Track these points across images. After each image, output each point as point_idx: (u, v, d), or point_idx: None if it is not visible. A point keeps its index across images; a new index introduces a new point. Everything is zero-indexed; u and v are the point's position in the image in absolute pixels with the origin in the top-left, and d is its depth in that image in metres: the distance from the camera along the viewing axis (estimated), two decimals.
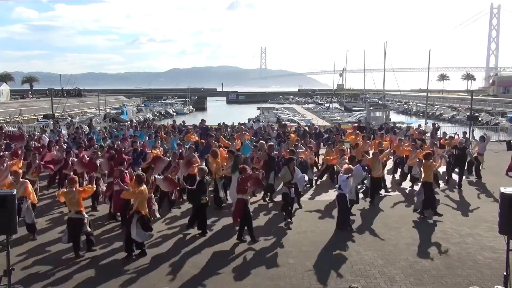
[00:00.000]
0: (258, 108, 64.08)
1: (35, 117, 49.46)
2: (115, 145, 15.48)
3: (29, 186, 9.64)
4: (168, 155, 12.75)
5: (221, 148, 13.35)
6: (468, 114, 34.95)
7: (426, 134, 20.51)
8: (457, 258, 8.54)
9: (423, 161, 11.51)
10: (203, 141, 16.60)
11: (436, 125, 23.81)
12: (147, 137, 18.29)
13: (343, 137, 18.40)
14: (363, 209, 11.75)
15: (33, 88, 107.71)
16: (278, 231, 10.07)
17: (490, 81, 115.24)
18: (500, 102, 67.32)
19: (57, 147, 14.52)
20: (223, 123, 22.26)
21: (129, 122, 30.66)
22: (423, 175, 11.37)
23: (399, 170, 15.45)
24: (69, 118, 47.12)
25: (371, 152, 15.54)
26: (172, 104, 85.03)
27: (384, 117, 37.12)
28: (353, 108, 64.10)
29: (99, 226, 10.40)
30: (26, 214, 9.41)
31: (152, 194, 9.99)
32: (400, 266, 8.14)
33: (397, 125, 28.46)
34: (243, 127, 20.13)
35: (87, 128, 23.98)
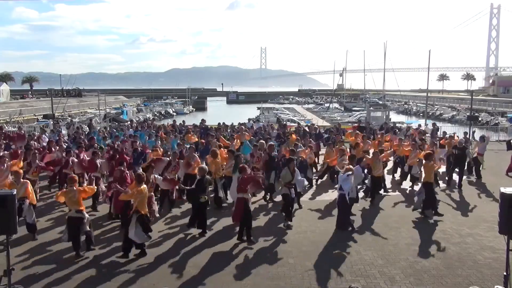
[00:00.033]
0: (258, 108, 64.13)
1: (35, 117, 49.49)
2: (115, 145, 15.49)
3: (29, 186, 9.65)
4: (169, 153, 12.74)
5: (221, 149, 13.35)
6: (468, 114, 35.02)
7: (426, 134, 20.50)
8: (457, 258, 8.54)
9: (424, 161, 11.49)
10: (203, 141, 16.61)
11: (436, 126, 23.79)
12: (147, 137, 18.30)
13: (343, 137, 18.41)
14: (363, 209, 11.75)
15: (33, 88, 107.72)
16: (278, 231, 10.07)
17: (490, 81, 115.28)
18: (500, 102, 67.35)
19: (57, 147, 14.51)
20: (223, 123, 22.27)
21: (129, 122, 30.66)
22: (423, 175, 11.35)
23: (399, 170, 15.45)
24: (69, 118, 47.13)
25: (371, 151, 15.55)
26: (172, 104, 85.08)
27: (384, 117, 37.13)
28: (353, 108, 64.13)
29: (99, 226, 10.40)
30: (28, 214, 9.42)
31: (153, 194, 9.98)
32: (400, 266, 8.14)
33: (397, 125, 28.48)
34: (243, 127, 20.12)
35: (87, 128, 23.97)
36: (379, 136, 17.88)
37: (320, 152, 17.63)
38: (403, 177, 14.75)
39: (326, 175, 15.05)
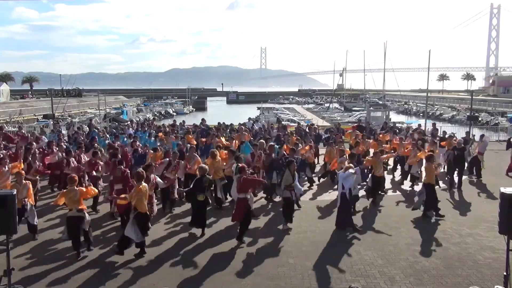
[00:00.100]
0: (258, 108, 64.19)
1: (35, 117, 49.51)
2: (115, 145, 15.49)
3: (31, 187, 9.66)
4: (169, 152, 12.74)
5: (221, 150, 13.30)
6: (468, 114, 35.01)
7: (427, 135, 20.49)
8: (457, 258, 8.54)
9: (426, 163, 11.42)
10: (203, 140, 16.62)
11: (435, 127, 23.76)
12: (147, 136, 18.30)
13: (343, 137, 18.41)
14: (363, 209, 11.74)
15: (33, 88, 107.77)
16: (278, 231, 10.07)
17: (490, 81, 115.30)
18: (500, 102, 67.36)
19: (57, 148, 14.49)
20: (223, 123, 22.26)
21: (129, 122, 30.65)
22: (425, 177, 11.26)
23: (398, 170, 15.44)
24: (69, 118, 47.15)
25: (371, 151, 15.57)
26: (172, 104, 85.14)
27: (384, 117, 37.12)
28: (353, 108, 64.13)
29: (99, 226, 10.40)
30: (30, 215, 9.46)
31: (153, 193, 9.98)
32: (400, 266, 8.13)
33: (397, 125, 28.48)
34: (242, 127, 20.11)
35: (87, 128, 23.95)
36: (380, 136, 17.86)
37: (320, 152, 17.68)
38: (404, 176, 14.76)
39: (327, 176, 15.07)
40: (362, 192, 12.45)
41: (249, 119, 32.56)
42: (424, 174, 12.04)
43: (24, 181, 9.57)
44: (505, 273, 6.27)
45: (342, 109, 67.64)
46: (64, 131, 23.68)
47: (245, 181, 9.32)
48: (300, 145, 14.67)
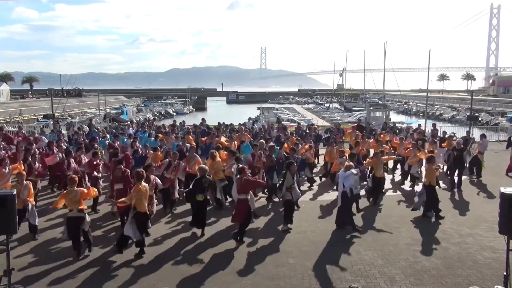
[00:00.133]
0: (258, 108, 64.18)
1: (35, 117, 49.52)
2: (115, 144, 15.48)
3: (31, 187, 9.67)
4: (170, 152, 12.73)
5: (222, 152, 13.26)
6: (468, 114, 35.00)
7: (426, 135, 20.49)
8: (457, 258, 8.54)
9: (427, 164, 11.34)
10: (203, 139, 16.61)
11: (435, 127, 23.76)
12: (148, 136, 18.30)
13: (343, 137, 18.41)
14: (363, 209, 11.74)
15: (33, 88, 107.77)
16: (278, 231, 10.07)
17: (490, 81, 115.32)
18: (500, 102, 67.37)
19: (57, 149, 14.47)
20: (223, 123, 22.25)
21: (129, 122, 30.65)
22: (425, 178, 11.19)
23: (398, 170, 15.43)
24: (69, 118, 47.15)
25: (371, 151, 15.57)
26: (172, 104, 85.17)
27: (384, 117, 37.12)
28: (353, 108, 64.13)
29: (99, 226, 10.41)
30: (31, 216, 9.47)
31: (154, 193, 9.99)
32: (400, 266, 8.14)
33: (397, 125, 28.49)
34: (243, 127, 20.10)
35: (87, 128, 23.94)
36: (381, 136, 17.84)
37: (320, 152, 17.69)
38: (404, 176, 14.76)
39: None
40: (362, 192, 12.45)
41: (249, 119, 32.59)
42: (424, 174, 12.03)
43: (25, 182, 9.57)
44: (505, 273, 6.27)
45: (342, 109, 67.63)
46: (64, 131, 23.67)
47: (246, 182, 9.31)
48: (300, 145, 14.68)
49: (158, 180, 10.30)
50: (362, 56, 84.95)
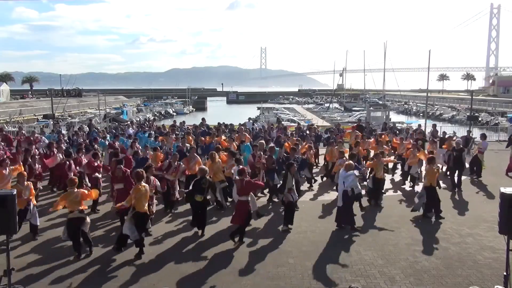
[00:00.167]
0: (258, 108, 64.15)
1: (35, 117, 49.53)
2: (116, 144, 15.47)
3: (32, 187, 9.68)
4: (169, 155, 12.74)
5: (222, 153, 13.24)
6: (468, 114, 35.02)
7: (426, 135, 20.50)
8: (457, 258, 8.54)
9: (427, 166, 11.28)
10: (202, 138, 16.62)
11: (435, 128, 23.76)
12: (148, 136, 18.28)
13: (343, 137, 18.41)
14: (364, 208, 11.71)
15: (33, 88, 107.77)
16: (278, 231, 10.07)
17: (490, 81, 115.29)
18: (500, 102, 67.37)
19: (57, 149, 14.46)
20: (223, 123, 22.24)
21: (129, 122, 30.64)
22: (426, 179, 11.12)
23: (398, 170, 15.43)
24: (69, 118, 47.15)
25: (371, 151, 15.57)
26: (172, 104, 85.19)
27: (384, 117, 37.12)
28: (353, 108, 64.14)
29: (100, 226, 10.41)
30: (33, 216, 9.46)
31: (154, 194, 9.99)
32: (400, 266, 8.14)
33: (397, 125, 28.48)
34: (243, 127, 20.10)
35: (87, 128, 23.95)
36: (382, 137, 17.82)
37: (320, 152, 17.69)
38: (404, 176, 14.76)
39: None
40: (363, 192, 12.45)
41: (249, 119, 32.57)
42: (423, 174, 12.02)
43: (26, 182, 9.57)
44: (505, 273, 6.28)
45: (342, 109, 67.64)
46: (64, 131, 23.67)
47: (247, 184, 9.30)
48: (300, 145, 14.65)
49: (158, 183, 10.30)
50: (362, 56, 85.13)
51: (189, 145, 14.91)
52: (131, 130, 21.81)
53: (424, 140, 17.00)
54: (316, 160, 17.12)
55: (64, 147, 15.01)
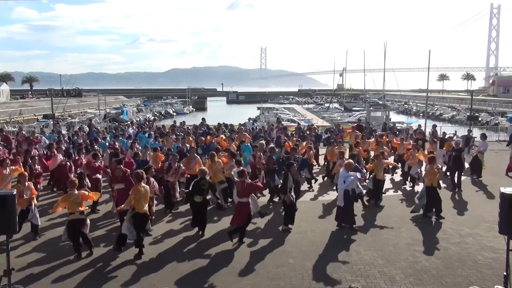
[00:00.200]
0: (258, 108, 64.21)
1: (35, 117, 49.55)
2: (116, 145, 15.47)
3: (33, 187, 9.68)
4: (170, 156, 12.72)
5: (223, 157, 13.20)
6: (468, 114, 35.02)
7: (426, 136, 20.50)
8: (457, 258, 8.54)
9: (428, 166, 11.26)
10: (203, 138, 16.62)
11: (435, 128, 23.77)
12: (148, 136, 18.28)
13: (343, 138, 18.41)
14: (363, 209, 11.73)
15: (33, 88, 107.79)
16: (278, 231, 10.07)
17: (490, 81, 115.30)
18: (500, 102, 67.38)
19: (57, 150, 14.45)
20: (223, 123, 22.24)
21: (129, 122, 30.64)
22: (426, 180, 11.09)
23: (398, 170, 15.42)
24: (69, 118, 47.16)
25: (372, 152, 15.57)
26: (172, 104, 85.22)
27: (384, 117, 37.14)
28: (353, 108, 64.16)
29: (100, 226, 10.41)
30: (34, 216, 9.47)
31: (154, 195, 9.99)
32: (400, 266, 8.14)
33: (397, 125, 28.49)
34: (243, 127, 20.09)
35: (87, 128, 23.94)
36: (384, 137, 17.82)
37: (320, 152, 17.69)
38: (405, 176, 14.76)
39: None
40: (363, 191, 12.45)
41: (249, 119, 32.60)
42: (423, 174, 12.01)
43: (27, 182, 9.57)
44: (505, 273, 6.27)
45: (342, 109, 67.65)
46: (64, 131, 23.66)
47: (248, 186, 9.29)
48: (300, 146, 14.66)
49: (157, 186, 10.29)
50: (362, 56, 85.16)
51: (189, 145, 14.91)
52: (131, 130, 21.82)
53: (424, 140, 17.00)
54: (316, 159, 17.11)
55: (64, 148, 14.99)
